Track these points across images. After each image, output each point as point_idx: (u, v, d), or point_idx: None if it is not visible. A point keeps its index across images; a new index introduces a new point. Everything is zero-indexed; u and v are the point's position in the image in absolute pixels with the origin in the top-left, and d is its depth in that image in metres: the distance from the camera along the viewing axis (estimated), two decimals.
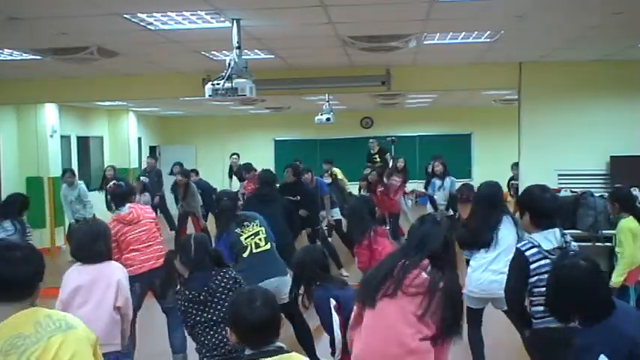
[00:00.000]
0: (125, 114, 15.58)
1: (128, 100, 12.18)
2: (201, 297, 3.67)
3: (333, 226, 10.26)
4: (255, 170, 10.52)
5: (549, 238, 3.47)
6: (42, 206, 11.40)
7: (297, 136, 18.34)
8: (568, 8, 5.27)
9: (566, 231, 3.65)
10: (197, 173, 12.14)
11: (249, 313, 2.33)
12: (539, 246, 3.45)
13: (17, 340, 2.12)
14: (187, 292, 3.70)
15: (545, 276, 3.41)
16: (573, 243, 3.57)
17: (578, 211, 7.19)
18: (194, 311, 3.67)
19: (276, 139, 18.64)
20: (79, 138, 13.91)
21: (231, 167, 13.28)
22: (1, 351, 2.11)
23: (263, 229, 5.27)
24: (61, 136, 12.41)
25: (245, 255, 5.21)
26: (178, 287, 3.86)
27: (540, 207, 3.56)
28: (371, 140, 14.33)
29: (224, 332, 3.59)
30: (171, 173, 11.28)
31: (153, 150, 17.99)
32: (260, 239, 5.23)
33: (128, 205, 5.59)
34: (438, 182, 9.99)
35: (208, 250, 3.90)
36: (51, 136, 11.89)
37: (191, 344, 5.06)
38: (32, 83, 9.12)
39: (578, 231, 6.92)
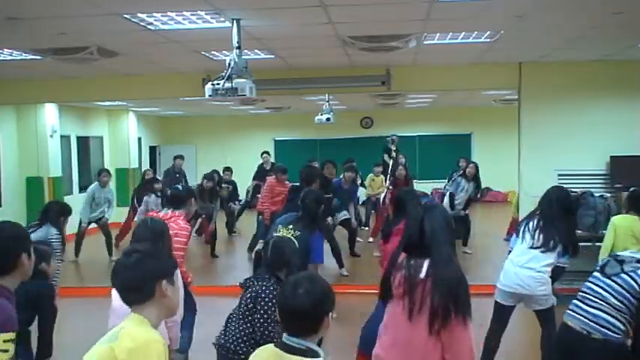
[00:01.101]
0: (125, 114, 15.58)
1: (128, 100, 12.17)
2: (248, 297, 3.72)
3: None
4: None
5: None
6: (42, 206, 11.36)
7: (297, 136, 18.33)
8: (568, 8, 5.27)
9: None
10: (231, 172, 12.25)
11: (291, 296, 2.33)
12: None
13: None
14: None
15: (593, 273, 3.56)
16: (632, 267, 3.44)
17: (578, 211, 7.19)
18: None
19: (276, 139, 18.64)
20: (78, 138, 13.91)
21: (262, 165, 13.27)
22: None
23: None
24: (61, 136, 12.43)
25: None
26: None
27: None
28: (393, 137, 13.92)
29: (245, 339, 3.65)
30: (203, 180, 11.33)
31: (153, 150, 18.02)
32: None
33: (164, 211, 5.40)
34: (464, 184, 10.04)
35: (284, 255, 3.83)
36: (51, 136, 11.90)
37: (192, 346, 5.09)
38: (32, 83, 9.12)
39: (579, 231, 6.93)
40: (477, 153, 17.96)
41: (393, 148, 13.17)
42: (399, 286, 2.86)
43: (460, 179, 10.17)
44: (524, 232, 4.86)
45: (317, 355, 2.32)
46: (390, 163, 12.27)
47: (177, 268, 2.47)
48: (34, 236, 5.64)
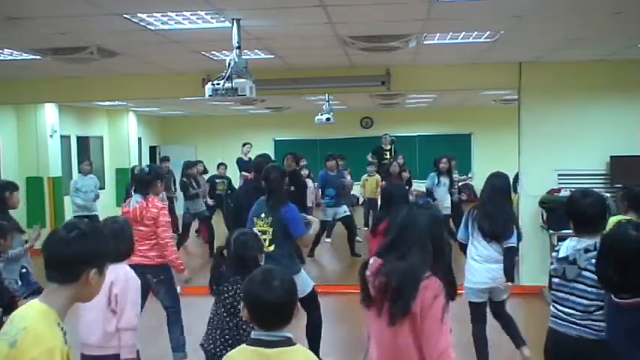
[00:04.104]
0: (125, 114, 15.59)
1: (128, 100, 12.17)
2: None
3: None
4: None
5: (567, 245, 3.42)
6: (42, 206, 11.42)
7: (297, 136, 18.34)
8: (568, 8, 5.27)
9: (567, 230, 3.65)
10: (226, 167, 12.19)
11: (266, 290, 2.30)
12: (557, 251, 3.47)
13: None
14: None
15: (553, 279, 3.45)
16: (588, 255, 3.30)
17: None
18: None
19: (276, 139, 18.64)
20: (78, 138, 13.92)
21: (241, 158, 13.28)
22: None
23: (271, 230, 5.06)
24: (61, 136, 12.42)
25: None
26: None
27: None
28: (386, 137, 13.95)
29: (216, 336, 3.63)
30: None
31: (153, 150, 18.02)
32: (265, 239, 5.14)
33: (136, 199, 5.30)
34: (442, 179, 10.15)
35: (241, 250, 3.68)
36: (51, 136, 11.90)
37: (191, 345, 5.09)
38: (32, 83, 9.11)
39: None
40: (477, 153, 18.00)
41: (387, 148, 13.23)
42: (378, 292, 2.73)
43: (434, 175, 10.28)
44: (472, 225, 4.97)
45: (294, 343, 2.33)
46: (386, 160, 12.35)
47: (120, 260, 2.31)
48: None
